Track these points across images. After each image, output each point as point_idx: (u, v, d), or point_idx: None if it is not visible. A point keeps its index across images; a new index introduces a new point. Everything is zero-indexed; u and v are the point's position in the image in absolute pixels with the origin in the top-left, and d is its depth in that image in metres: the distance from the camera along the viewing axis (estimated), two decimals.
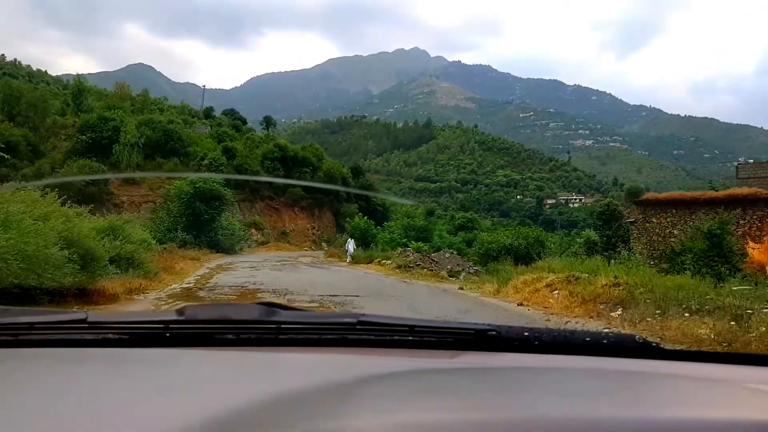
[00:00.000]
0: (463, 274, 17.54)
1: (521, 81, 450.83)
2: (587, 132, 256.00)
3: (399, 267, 17.31)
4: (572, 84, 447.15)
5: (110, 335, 1.29)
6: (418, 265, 17.38)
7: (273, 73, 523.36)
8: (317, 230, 49.93)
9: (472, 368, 1.18)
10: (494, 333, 1.25)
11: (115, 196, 39.90)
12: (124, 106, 52.99)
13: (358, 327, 1.27)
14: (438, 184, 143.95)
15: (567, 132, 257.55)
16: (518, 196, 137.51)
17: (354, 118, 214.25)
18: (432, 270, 16.96)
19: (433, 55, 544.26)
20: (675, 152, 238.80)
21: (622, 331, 6.69)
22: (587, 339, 1.29)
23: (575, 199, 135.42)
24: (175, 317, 1.29)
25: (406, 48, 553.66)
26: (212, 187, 29.41)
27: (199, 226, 29.28)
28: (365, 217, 35.78)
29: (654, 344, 1.31)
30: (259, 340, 1.28)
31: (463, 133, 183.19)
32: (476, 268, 19.80)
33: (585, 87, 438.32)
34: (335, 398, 0.76)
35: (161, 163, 42.95)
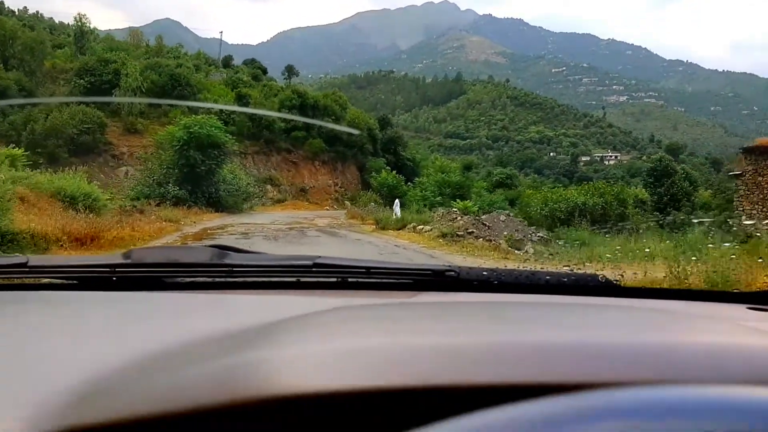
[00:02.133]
0: (529, 244, 12.74)
1: (554, 35, 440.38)
2: (621, 88, 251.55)
3: (443, 236, 12.55)
4: (606, 38, 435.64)
5: (53, 279, 1.26)
6: (469, 232, 12.60)
7: (300, 27, 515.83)
8: (340, 187, 45.12)
9: (430, 302, 1.14)
10: (453, 273, 1.23)
11: (114, 146, 35.72)
12: (129, 48, 48.46)
13: (313, 269, 1.23)
14: (468, 140, 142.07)
15: (600, 88, 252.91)
16: (551, 153, 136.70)
17: (381, 73, 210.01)
18: (489, 240, 12.20)
19: (462, 8, 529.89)
20: (712, 108, 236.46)
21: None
22: (548, 278, 1.28)
23: (611, 156, 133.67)
24: (121, 260, 1.25)
25: (435, 1, 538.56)
26: (209, 132, 24.65)
27: (194, 179, 24.74)
28: (393, 172, 30.93)
29: (615, 282, 1.29)
30: (210, 283, 1.27)
31: (495, 88, 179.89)
32: (540, 234, 14.98)
33: (620, 41, 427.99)
34: (276, 333, 0.72)
35: (167, 110, 38.41)
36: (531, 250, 12.44)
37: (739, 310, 1.19)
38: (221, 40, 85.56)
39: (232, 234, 14.01)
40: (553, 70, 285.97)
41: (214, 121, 25.88)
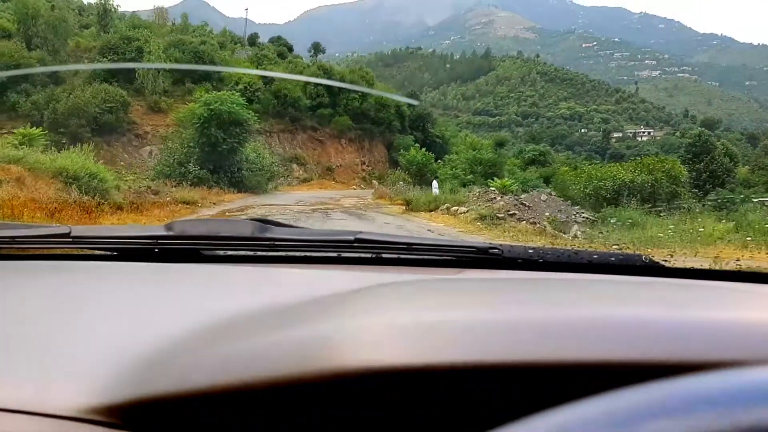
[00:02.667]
0: (575, 226, 11.48)
1: (584, 9, 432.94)
2: (654, 62, 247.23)
3: (482, 218, 11.30)
4: (638, 12, 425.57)
5: (95, 250, 1.27)
6: (511, 214, 11.31)
7: (327, 5, 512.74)
8: (367, 165, 43.92)
9: (476, 278, 1.16)
10: (497, 251, 1.22)
11: (138, 125, 35.08)
12: (153, 27, 47.71)
13: (355, 244, 1.23)
14: (497, 117, 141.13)
15: (632, 63, 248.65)
16: (582, 130, 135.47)
17: (409, 51, 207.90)
18: (533, 222, 10.94)
19: None
20: (747, 83, 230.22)
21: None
22: (594, 257, 1.26)
23: (643, 132, 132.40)
24: (163, 232, 1.24)
25: None
26: (231, 109, 23.55)
27: (216, 158, 23.75)
28: (423, 149, 29.64)
29: (661, 263, 1.27)
30: (252, 256, 1.26)
31: (524, 64, 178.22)
32: (586, 215, 13.67)
33: (652, 15, 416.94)
34: (329, 307, 0.75)
35: (191, 88, 37.61)
36: (578, 233, 11.18)
37: None
38: (246, 17, 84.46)
39: (251, 217, 12.97)
40: (583, 45, 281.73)
41: (236, 97, 24.86)
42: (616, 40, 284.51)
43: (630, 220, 12.16)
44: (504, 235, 9.62)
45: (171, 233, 1.23)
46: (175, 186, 19.23)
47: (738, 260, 7.09)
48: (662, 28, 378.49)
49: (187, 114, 24.01)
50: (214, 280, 1.10)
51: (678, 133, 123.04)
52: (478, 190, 15.26)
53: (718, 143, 54.59)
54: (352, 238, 1.23)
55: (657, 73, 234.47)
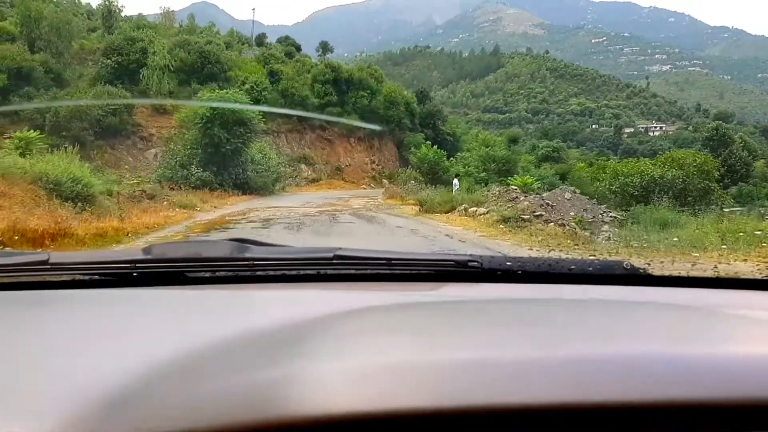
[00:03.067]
0: (606, 227, 10.46)
1: (593, 4, 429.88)
2: (664, 57, 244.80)
3: (504, 220, 10.19)
4: (648, 6, 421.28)
5: (74, 276, 1.27)
6: (537, 215, 10.22)
7: (335, 6, 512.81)
8: (377, 164, 42.91)
9: (452, 301, 1.12)
10: (476, 264, 1.22)
11: (143, 128, 34.33)
12: (158, 28, 47.08)
13: (334, 261, 1.25)
14: (507, 114, 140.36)
15: (642, 57, 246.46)
16: (593, 126, 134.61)
17: (417, 49, 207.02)
18: (561, 224, 9.90)
19: None
20: (759, 76, 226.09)
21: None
22: (572, 267, 1.26)
23: (655, 127, 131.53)
24: (141, 256, 1.26)
25: None
26: (235, 108, 22.78)
27: (220, 160, 22.87)
28: (434, 147, 28.65)
29: (641, 270, 1.27)
30: (232, 277, 1.26)
31: (533, 60, 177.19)
32: (613, 214, 12.64)
33: (662, 8, 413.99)
34: (302, 336, 0.74)
35: (197, 89, 36.85)
36: (609, 234, 10.16)
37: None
38: (253, 17, 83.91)
39: (251, 221, 12.01)
40: (593, 41, 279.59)
41: (240, 96, 23.96)
42: (626, 34, 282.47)
43: (662, 220, 11.12)
44: (531, 239, 8.56)
45: (150, 256, 1.23)
46: (177, 189, 18.36)
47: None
48: (672, 22, 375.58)
49: (190, 114, 23.12)
50: (191, 305, 1.08)
51: (690, 128, 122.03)
52: (497, 189, 14.04)
53: (736, 136, 53.24)
54: (331, 255, 1.24)
55: (668, 67, 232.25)
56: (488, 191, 13.95)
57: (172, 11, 62.18)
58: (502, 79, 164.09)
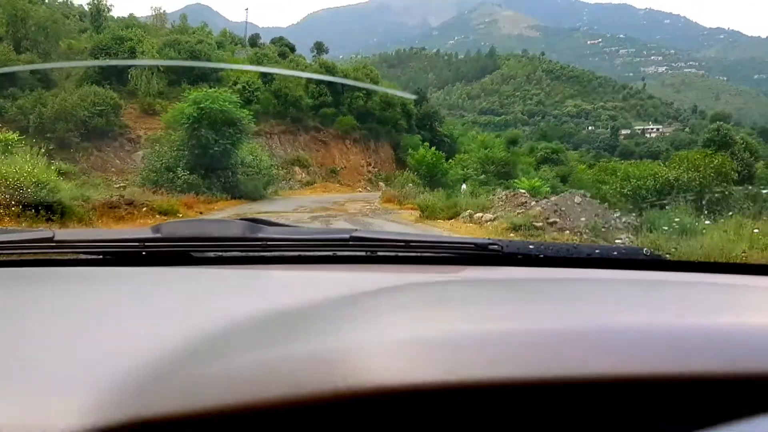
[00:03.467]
0: (623, 236, 9.52)
1: (588, 6, 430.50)
2: (660, 58, 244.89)
3: (515, 228, 9.23)
4: (643, 7, 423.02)
5: (79, 254, 1.23)
6: (550, 222, 9.20)
7: (330, 8, 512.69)
8: (373, 167, 41.88)
9: (477, 280, 1.13)
10: (497, 247, 1.20)
11: (130, 129, 33.33)
12: (149, 27, 46.05)
13: (350, 242, 1.21)
14: (503, 116, 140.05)
15: (638, 59, 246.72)
16: (590, 127, 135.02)
17: (413, 51, 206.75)
18: (578, 233, 8.90)
19: None
20: (756, 77, 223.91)
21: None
22: (593, 252, 1.25)
23: (652, 129, 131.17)
24: (150, 234, 1.22)
25: None
26: (223, 107, 21.49)
27: (208, 162, 21.68)
28: (433, 148, 27.71)
29: (662, 256, 1.25)
30: (244, 258, 1.22)
31: (529, 62, 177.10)
32: (627, 220, 11.70)
33: (657, 10, 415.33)
34: (330, 315, 0.73)
35: (187, 89, 35.87)
36: (627, 242, 9.23)
37: None
38: (247, 17, 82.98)
39: (242, 217, 10.94)
40: (588, 43, 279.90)
41: (229, 95, 22.87)
42: (622, 36, 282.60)
43: (681, 226, 10.20)
44: None
45: (158, 235, 1.19)
46: (161, 193, 17.30)
47: None
48: (668, 24, 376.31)
49: (177, 114, 21.98)
50: (204, 284, 1.05)
51: (687, 129, 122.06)
52: (503, 192, 12.98)
53: (738, 137, 52.52)
54: (347, 236, 1.21)
55: (663, 68, 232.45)
56: (494, 195, 12.88)
57: (164, 12, 61.11)
58: (497, 81, 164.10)
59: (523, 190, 13.23)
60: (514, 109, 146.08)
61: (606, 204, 13.06)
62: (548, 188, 17.42)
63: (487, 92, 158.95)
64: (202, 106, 21.14)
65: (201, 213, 15.05)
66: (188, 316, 0.76)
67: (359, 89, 40.72)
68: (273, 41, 71.74)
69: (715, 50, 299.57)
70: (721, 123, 57.90)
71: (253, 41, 67.22)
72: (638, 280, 1.08)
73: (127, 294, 0.97)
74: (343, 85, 41.09)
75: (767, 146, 66.93)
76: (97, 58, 37.06)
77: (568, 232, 8.82)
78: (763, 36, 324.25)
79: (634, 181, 14.47)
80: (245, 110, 23.21)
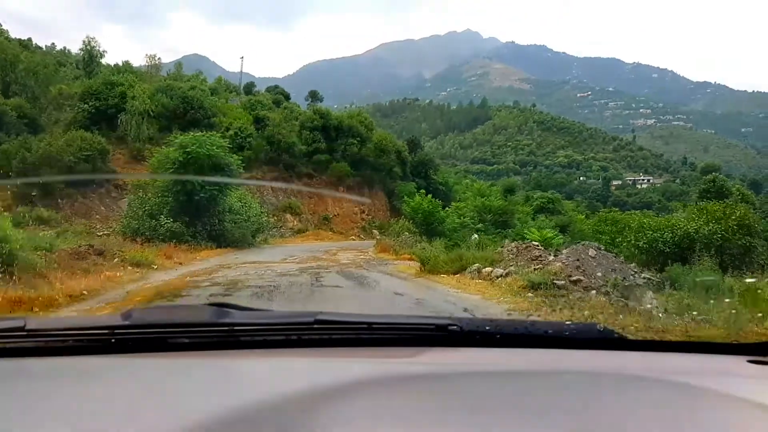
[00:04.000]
0: (649, 295, 8.44)
1: (578, 60, 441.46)
2: (648, 111, 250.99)
3: (534, 287, 8.12)
4: (631, 62, 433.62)
5: (51, 343, 1.23)
6: (574, 281, 8.03)
7: (325, 60, 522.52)
8: (367, 214, 40.92)
9: (434, 374, 1.12)
10: (456, 327, 1.23)
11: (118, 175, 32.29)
12: (143, 74, 45.71)
13: (315, 326, 1.24)
14: (495, 166, 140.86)
15: (627, 111, 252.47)
16: (581, 178, 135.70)
17: (406, 101, 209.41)
18: (605, 292, 7.78)
19: (485, 36, 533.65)
20: (743, 130, 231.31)
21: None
22: (549, 331, 1.28)
23: (643, 180, 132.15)
24: (120, 322, 1.23)
25: (458, 30, 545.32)
26: (210, 151, 20.55)
27: (193, 209, 20.57)
28: (429, 195, 26.78)
29: (616, 334, 1.28)
30: (212, 343, 1.23)
31: (521, 113, 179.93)
32: (646, 276, 10.63)
33: (645, 65, 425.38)
34: (292, 414, 0.76)
35: (178, 136, 35.17)
36: (654, 302, 8.14)
37: (738, 364, 1.20)
38: (242, 65, 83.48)
39: (216, 284, 9.78)
40: (578, 95, 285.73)
41: (217, 138, 21.92)
42: (611, 89, 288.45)
43: (705, 284, 9.12)
44: (575, 315, 6.32)
45: (128, 322, 1.20)
46: (142, 242, 16.13)
47: None
48: (655, 78, 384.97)
49: (162, 159, 20.99)
50: (172, 375, 1.05)
51: (678, 181, 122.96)
52: (513, 244, 11.74)
53: (733, 188, 52.19)
54: (311, 319, 1.23)
55: (652, 121, 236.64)
56: (502, 247, 11.69)
57: (159, 59, 60.98)
58: (489, 131, 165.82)
59: (536, 243, 12.03)
60: (506, 159, 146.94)
61: (622, 257, 12.04)
62: (561, 240, 16.38)
63: (479, 142, 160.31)
64: (188, 150, 20.20)
65: (181, 263, 13.89)
66: (156, 413, 0.76)
67: (354, 136, 40.16)
68: (268, 89, 72.18)
69: (702, 104, 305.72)
70: (717, 174, 57.73)
71: (248, 89, 67.36)
72: (587, 374, 1.09)
73: (96, 387, 0.96)
74: (337, 131, 40.39)
75: (758, 197, 66.90)
76: (87, 103, 36.46)
77: (594, 292, 7.71)
78: (749, 90, 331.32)
79: (650, 233, 13.44)
80: (234, 155, 22.26)
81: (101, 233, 23.49)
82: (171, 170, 19.58)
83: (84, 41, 44.71)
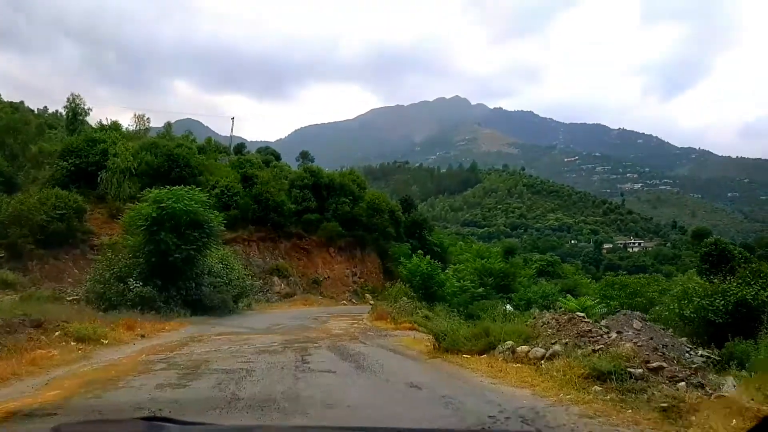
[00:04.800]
0: (730, 380, 6.50)
1: (564, 126, 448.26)
2: (635, 176, 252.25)
3: (599, 377, 5.73)
4: (617, 127, 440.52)
5: None
6: (654, 368, 5.82)
7: (316, 124, 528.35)
8: (359, 277, 38.79)
9: None
10: None
11: (95, 235, 30.20)
12: (128, 132, 44.32)
13: None
14: (486, 228, 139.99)
15: (614, 176, 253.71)
16: (572, 241, 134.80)
17: (397, 164, 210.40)
18: (699, 384, 5.79)
19: (473, 102, 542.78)
20: (729, 195, 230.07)
21: None
22: None
23: (634, 243, 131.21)
24: None
25: (447, 97, 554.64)
26: (188, 207, 18.47)
27: (167, 271, 18.26)
28: (427, 257, 24.85)
29: None
30: None
31: (510, 176, 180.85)
32: (704, 353, 8.70)
33: (630, 130, 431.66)
34: None
35: (153, 191, 33.35)
36: (731, 386, 6.20)
37: None
38: (232, 126, 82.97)
39: (173, 365, 7.80)
40: (566, 159, 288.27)
41: (196, 192, 19.90)
42: (598, 154, 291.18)
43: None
44: (670, 426, 4.33)
45: None
46: (103, 308, 13.96)
47: None
48: (641, 143, 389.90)
49: (134, 216, 18.90)
50: None
51: (669, 244, 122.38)
52: (549, 314, 9.40)
53: (735, 251, 50.81)
54: None
55: (639, 185, 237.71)
56: (534, 318, 9.45)
57: (148, 119, 59.90)
58: (479, 194, 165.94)
59: (576, 311, 9.72)
60: (496, 222, 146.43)
61: (670, 330, 10.11)
62: (604, 308, 14.38)
63: (469, 205, 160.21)
64: (163, 205, 18.17)
65: (143, 336, 11.75)
66: None
67: (345, 194, 38.50)
68: (258, 150, 71.27)
69: (688, 169, 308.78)
70: (718, 237, 56.47)
71: (239, 150, 66.28)
72: None
73: None
74: (328, 190, 38.76)
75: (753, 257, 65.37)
76: (66, 161, 34.68)
77: (683, 383, 5.62)
78: (733, 156, 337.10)
79: (697, 300, 11.51)
80: (215, 211, 20.23)
81: (71, 297, 21.25)
82: (143, 228, 17.56)
83: (68, 98, 43.18)
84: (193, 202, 18.95)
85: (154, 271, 18.02)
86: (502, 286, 28.40)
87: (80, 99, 43.74)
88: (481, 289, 26.34)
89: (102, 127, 40.15)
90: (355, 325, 16.03)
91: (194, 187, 20.34)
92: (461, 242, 57.72)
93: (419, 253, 25.70)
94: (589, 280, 34.44)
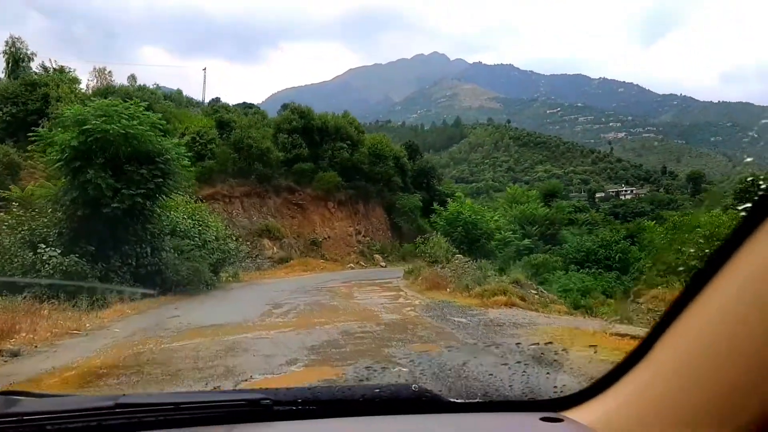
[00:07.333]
0: None
1: (545, 78, 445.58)
2: (618, 124, 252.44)
3: None
4: (597, 77, 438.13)
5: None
6: None
7: (293, 87, 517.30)
8: (363, 235, 32.94)
9: None
10: (268, 401, 1.21)
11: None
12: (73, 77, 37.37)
13: (116, 410, 1.17)
14: (474, 184, 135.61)
15: (597, 126, 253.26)
16: (563, 192, 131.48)
17: (379, 124, 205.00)
18: None
19: (452, 58, 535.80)
20: (712, 139, 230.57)
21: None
22: (363, 395, 1.27)
23: (626, 191, 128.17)
24: None
25: (426, 53, 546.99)
26: (131, 128, 12.13)
27: (103, 232, 12.16)
28: (469, 200, 19.16)
29: (429, 394, 1.28)
30: None
31: (495, 130, 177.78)
32: None
33: (611, 79, 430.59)
34: None
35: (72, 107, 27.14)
36: None
37: (533, 422, 1.22)
38: (205, 76, 75.70)
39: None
40: (548, 112, 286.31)
41: (139, 109, 13.23)
42: (580, 105, 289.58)
43: None
44: None
45: None
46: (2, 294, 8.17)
47: None
48: (622, 92, 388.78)
49: (50, 150, 12.60)
50: None
51: (662, 190, 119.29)
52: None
53: None
54: (112, 403, 1.17)
55: (623, 134, 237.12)
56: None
57: (110, 72, 52.30)
58: (465, 149, 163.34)
59: None
60: (485, 176, 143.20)
61: None
62: None
63: (456, 161, 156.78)
64: (89, 127, 11.94)
65: (55, 337, 5.96)
66: None
67: (342, 139, 32.34)
68: (236, 105, 64.66)
69: (671, 115, 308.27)
70: (753, 173, 51.64)
71: (214, 103, 59.44)
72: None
73: None
74: (321, 134, 32.47)
75: None
76: (1, 110, 28.60)
77: None
78: (715, 101, 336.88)
79: None
80: (173, 140, 13.89)
81: None
82: (61, 165, 11.41)
83: (6, 42, 36.13)
84: (135, 123, 12.56)
85: (81, 232, 11.95)
86: (548, 235, 22.83)
87: (21, 42, 36.73)
88: (527, 241, 20.76)
89: (45, 70, 33.44)
90: (402, 300, 10.34)
91: (138, 100, 13.60)
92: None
93: (458, 196, 20.02)
94: (653, 223, 29.04)
